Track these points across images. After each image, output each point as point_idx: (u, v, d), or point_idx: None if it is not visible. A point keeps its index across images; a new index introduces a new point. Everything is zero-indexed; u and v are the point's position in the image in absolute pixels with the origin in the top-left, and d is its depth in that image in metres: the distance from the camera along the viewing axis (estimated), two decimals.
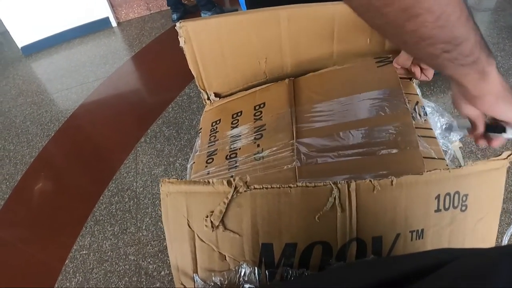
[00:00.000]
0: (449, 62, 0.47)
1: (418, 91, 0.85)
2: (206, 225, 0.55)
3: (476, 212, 0.53)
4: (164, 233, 1.69)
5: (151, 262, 1.58)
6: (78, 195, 1.99)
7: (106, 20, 3.30)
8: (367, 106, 0.79)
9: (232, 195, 0.51)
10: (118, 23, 3.37)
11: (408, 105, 0.75)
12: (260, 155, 0.77)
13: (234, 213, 0.53)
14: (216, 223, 0.54)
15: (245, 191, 0.51)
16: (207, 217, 0.54)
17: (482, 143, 0.65)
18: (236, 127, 0.88)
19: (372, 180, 0.48)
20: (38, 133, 2.39)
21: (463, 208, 0.51)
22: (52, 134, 2.36)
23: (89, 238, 1.75)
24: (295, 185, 0.49)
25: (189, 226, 0.57)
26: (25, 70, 3.11)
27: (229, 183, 0.51)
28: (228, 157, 0.82)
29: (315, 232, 0.54)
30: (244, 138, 0.85)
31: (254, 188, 0.50)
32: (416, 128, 0.75)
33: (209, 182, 0.51)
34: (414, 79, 0.86)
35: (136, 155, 2.07)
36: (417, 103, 0.80)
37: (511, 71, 2.45)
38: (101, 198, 1.91)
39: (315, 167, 0.71)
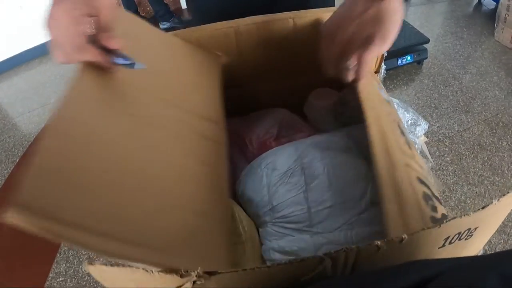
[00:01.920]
0: None
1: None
2: None
3: (478, 237, 0.47)
4: None
5: None
6: None
7: None
8: None
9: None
10: None
11: None
12: None
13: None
14: None
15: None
16: None
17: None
18: None
19: (379, 243, 0.39)
20: (3, 160, 2.31)
21: (468, 238, 0.45)
22: (17, 160, 2.28)
23: (64, 264, 1.70)
24: (276, 264, 0.39)
25: None
26: None
27: (181, 275, 0.38)
28: None
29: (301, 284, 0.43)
30: None
31: (218, 273, 0.38)
32: None
33: (152, 272, 0.39)
34: (378, 74, 0.85)
35: None
36: None
37: (471, 59, 2.51)
38: None
39: None
